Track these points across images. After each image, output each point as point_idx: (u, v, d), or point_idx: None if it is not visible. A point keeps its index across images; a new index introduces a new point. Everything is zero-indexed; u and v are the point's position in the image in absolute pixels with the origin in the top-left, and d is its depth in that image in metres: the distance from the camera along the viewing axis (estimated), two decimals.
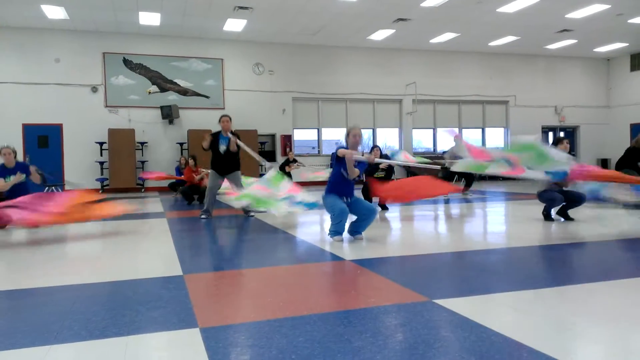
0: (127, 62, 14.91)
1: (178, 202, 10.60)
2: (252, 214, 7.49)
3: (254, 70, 16.10)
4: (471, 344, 2.19)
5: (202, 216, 7.40)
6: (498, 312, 2.71)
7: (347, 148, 5.00)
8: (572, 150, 18.82)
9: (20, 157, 13.27)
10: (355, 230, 5.15)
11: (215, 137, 7.33)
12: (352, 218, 5.15)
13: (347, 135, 5.14)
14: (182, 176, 10.90)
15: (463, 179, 10.92)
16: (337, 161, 5.02)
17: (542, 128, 19.06)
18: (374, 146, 8.16)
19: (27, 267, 4.33)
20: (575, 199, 6.20)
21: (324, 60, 16.65)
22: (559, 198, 6.13)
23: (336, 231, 4.98)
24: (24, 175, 6.70)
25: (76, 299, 3.09)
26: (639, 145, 8.38)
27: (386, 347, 2.18)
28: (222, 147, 7.22)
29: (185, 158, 11.60)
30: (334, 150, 5.55)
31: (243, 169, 7.68)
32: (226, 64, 15.84)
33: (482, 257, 4.24)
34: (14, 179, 6.59)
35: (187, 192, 10.28)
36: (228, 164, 7.33)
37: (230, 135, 7.29)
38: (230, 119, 7.47)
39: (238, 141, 7.22)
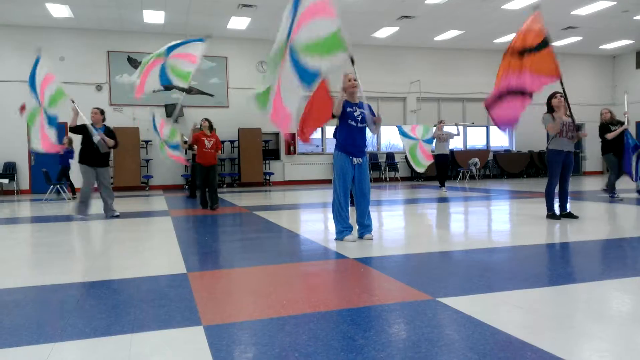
0: (131, 61, 14.94)
1: (184, 200, 10.61)
2: (116, 213, 7.47)
3: (258, 68, 16.10)
4: (475, 343, 2.18)
5: (79, 215, 7.22)
6: (502, 310, 2.70)
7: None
8: (577, 148, 18.72)
9: (24, 155, 13.34)
10: (361, 225, 5.09)
11: (85, 127, 7.32)
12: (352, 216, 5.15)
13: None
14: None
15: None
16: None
17: None
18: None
19: (32, 265, 4.36)
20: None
21: None
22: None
23: (340, 231, 4.97)
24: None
25: (80, 297, 3.10)
26: (606, 120, 8.62)
27: (390, 345, 2.18)
28: (96, 138, 7.28)
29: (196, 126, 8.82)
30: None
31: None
32: (230, 62, 15.84)
33: (486, 255, 4.22)
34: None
35: (203, 189, 8.49)
36: (100, 156, 7.37)
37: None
38: (101, 111, 7.67)
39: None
